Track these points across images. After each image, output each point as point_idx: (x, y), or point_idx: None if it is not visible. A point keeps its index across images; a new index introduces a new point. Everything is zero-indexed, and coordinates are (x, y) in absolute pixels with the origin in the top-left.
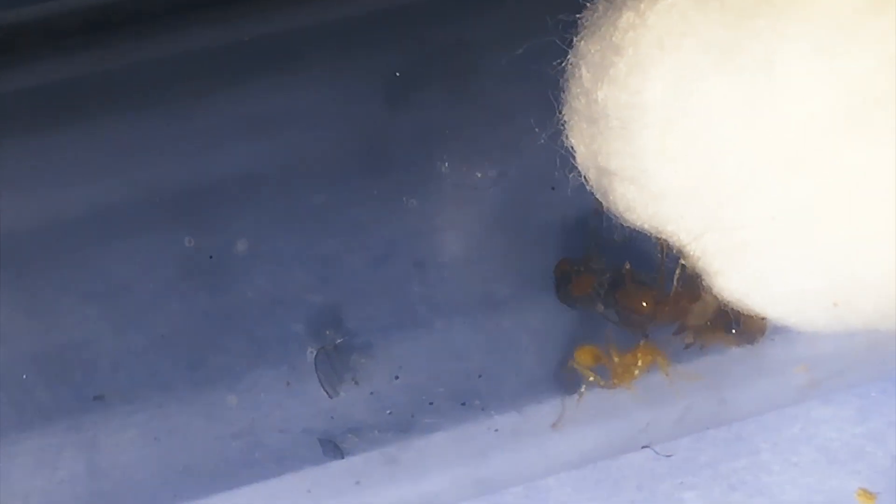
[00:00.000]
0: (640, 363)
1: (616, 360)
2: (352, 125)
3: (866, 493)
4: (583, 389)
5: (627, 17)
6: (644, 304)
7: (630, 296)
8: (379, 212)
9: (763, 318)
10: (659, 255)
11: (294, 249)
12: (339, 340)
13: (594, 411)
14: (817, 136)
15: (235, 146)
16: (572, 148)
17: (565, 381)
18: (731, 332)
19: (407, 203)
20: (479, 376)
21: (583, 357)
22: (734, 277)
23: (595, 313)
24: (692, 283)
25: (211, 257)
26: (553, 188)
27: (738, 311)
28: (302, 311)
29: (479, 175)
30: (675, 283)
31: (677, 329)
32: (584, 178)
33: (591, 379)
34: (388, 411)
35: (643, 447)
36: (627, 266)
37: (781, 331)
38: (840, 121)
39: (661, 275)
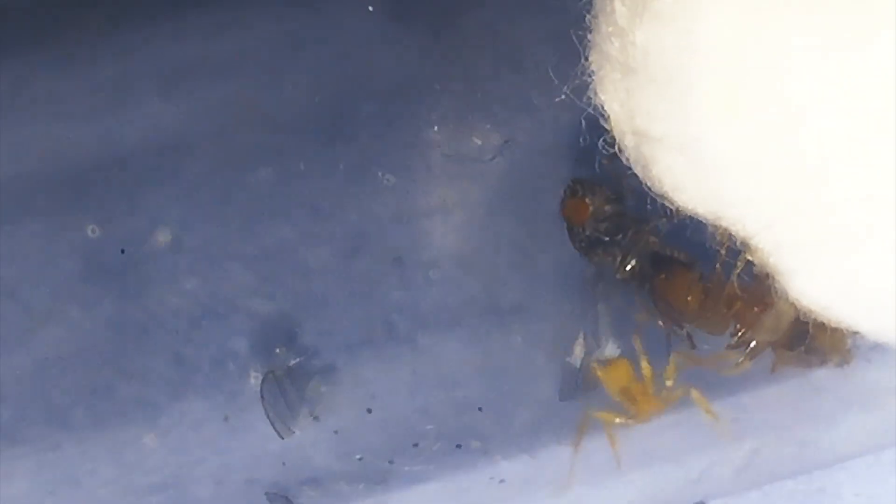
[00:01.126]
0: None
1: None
2: (309, 76)
3: None
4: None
5: None
6: (689, 298)
7: (671, 284)
8: (345, 192)
9: (854, 333)
10: (717, 249)
11: (231, 241)
12: (292, 362)
13: (633, 455)
14: None
15: (152, 104)
16: (602, 106)
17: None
18: (811, 350)
19: (382, 179)
20: (479, 409)
21: (613, 377)
22: (817, 279)
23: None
24: (760, 287)
25: (122, 251)
26: (577, 159)
27: (821, 324)
28: (243, 323)
29: (479, 142)
30: (732, 280)
31: (735, 342)
32: (618, 146)
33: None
34: (357, 456)
35: (697, 503)
36: (673, 252)
37: (880, 350)
38: None
39: (719, 272)
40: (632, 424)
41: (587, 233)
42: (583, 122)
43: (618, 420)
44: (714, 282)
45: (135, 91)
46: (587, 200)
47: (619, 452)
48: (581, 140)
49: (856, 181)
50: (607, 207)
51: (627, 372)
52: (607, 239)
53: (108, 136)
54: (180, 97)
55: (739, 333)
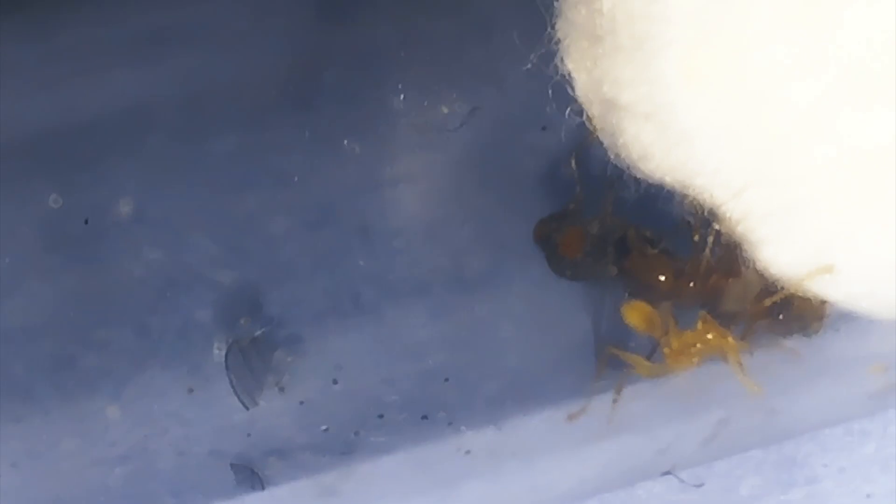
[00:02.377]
0: (700, 344)
1: (674, 335)
2: (272, 43)
3: None
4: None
5: None
6: (662, 277)
7: (642, 265)
8: (310, 161)
9: (823, 303)
10: (687, 218)
11: (195, 212)
12: (257, 332)
13: (600, 425)
14: None
15: (116, 73)
16: (569, 74)
17: (566, 380)
18: (780, 318)
19: (348, 148)
20: (446, 380)
21: (632, 315)
22: (786, 247)
23: (606, 288)
24: (729, 255)
25: (86, 222)
26: (544, 128)
27: (790, 293)
28: (208, 294)
29: (445, 111)
30: (706, 253)
31: (706, 315)
32: (586, 114)
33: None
34: (323, 427)
35: (664, 474)
36: (641, 232)
37: (849, 319)
38: None
39: (694, 244)
40: (657, 374)
41: (581, 258)
42: (550, 90)
43: (646, 366)
44: (691, 258)
45: (99, 60)
46: (580, 229)
47: (616, 410)
48: (548, 109)
49: (826, 149)
50: (591, 225)
51: (646, 311)
52: (597, 255)
53: (71, 105)
54: (144, 66)
55: (710, 306)
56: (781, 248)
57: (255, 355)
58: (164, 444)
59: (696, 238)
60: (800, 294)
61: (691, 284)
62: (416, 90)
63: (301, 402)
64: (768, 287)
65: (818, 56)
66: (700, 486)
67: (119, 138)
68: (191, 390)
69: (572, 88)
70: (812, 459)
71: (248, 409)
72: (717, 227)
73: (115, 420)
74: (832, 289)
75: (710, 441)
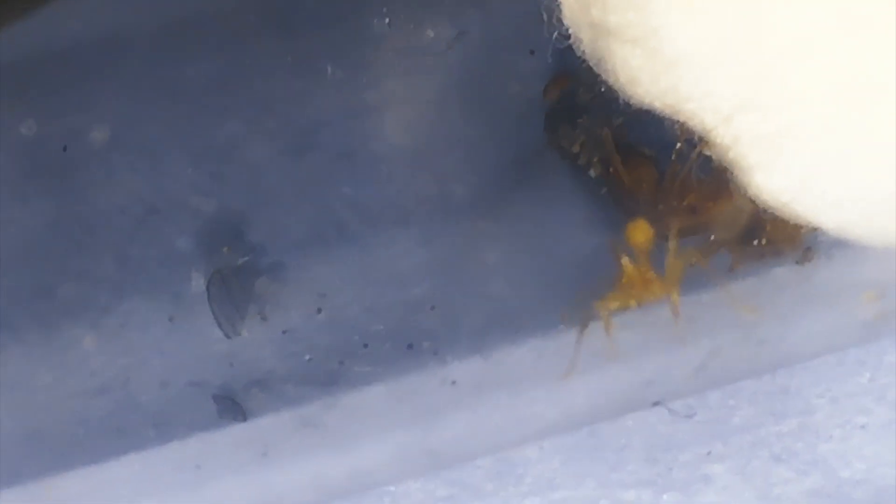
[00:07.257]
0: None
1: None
2: None
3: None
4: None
5: None
6: (642, 184)
7: (624, 167)
8: (292, 85)
9: (814, 229)
10: (677, 141)
11: (175, 138)
12: (240, 261)
13: (585, 357)
14: None
15: None
16: None
17: (552, 309)
18: (765, 245)
19: (331, 73)
20: (431, 308)
21: (637, 234)
22: (778, 173)
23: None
24: (718, 180)
25: (64, 149)
26: (532, 52)
27: (781, 220)
28: (188, 222)
29: (431, 34)
30: (688, 172)
31: (686, 230)
32: (574, 38)
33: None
34: (306, 357)
35: (654, 404)
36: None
37: (842, 246)
38: None
39: (674, 162)
40: (632, 306)
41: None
42: (544, 14)
43: (617, 304)
44: (668, 171)
45: None
46: (566, 80)
47: (613, 342)
48: (535, 32)
49: (818, 74)
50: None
51: (647, 234)
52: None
53: (46, 31)
54: None
55: (693, 226)
56: (773, 174)
57: (237, 284)
58: (145, 375)
59: (674, 156)
60: (780, 221)
61: (671, 199)
62: (401, 13)
63: (284, 332)
64: (759, 214)
65: None
66: (691, 416)
67: (96, 64)
68: (172, 319)
69: (560, 12)
70: (805, 390)
71: (230, 338)
72: (705, 151)
73: (94, 350)
74: (824, 216)
75: (701, 372)
